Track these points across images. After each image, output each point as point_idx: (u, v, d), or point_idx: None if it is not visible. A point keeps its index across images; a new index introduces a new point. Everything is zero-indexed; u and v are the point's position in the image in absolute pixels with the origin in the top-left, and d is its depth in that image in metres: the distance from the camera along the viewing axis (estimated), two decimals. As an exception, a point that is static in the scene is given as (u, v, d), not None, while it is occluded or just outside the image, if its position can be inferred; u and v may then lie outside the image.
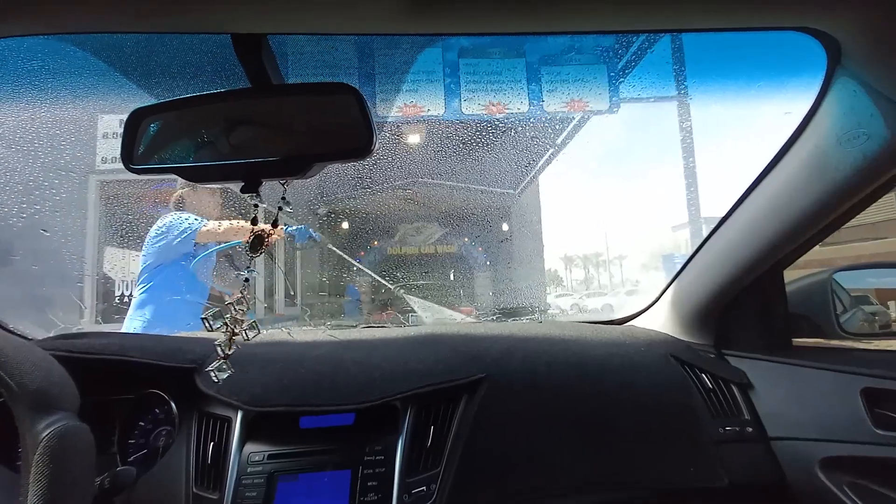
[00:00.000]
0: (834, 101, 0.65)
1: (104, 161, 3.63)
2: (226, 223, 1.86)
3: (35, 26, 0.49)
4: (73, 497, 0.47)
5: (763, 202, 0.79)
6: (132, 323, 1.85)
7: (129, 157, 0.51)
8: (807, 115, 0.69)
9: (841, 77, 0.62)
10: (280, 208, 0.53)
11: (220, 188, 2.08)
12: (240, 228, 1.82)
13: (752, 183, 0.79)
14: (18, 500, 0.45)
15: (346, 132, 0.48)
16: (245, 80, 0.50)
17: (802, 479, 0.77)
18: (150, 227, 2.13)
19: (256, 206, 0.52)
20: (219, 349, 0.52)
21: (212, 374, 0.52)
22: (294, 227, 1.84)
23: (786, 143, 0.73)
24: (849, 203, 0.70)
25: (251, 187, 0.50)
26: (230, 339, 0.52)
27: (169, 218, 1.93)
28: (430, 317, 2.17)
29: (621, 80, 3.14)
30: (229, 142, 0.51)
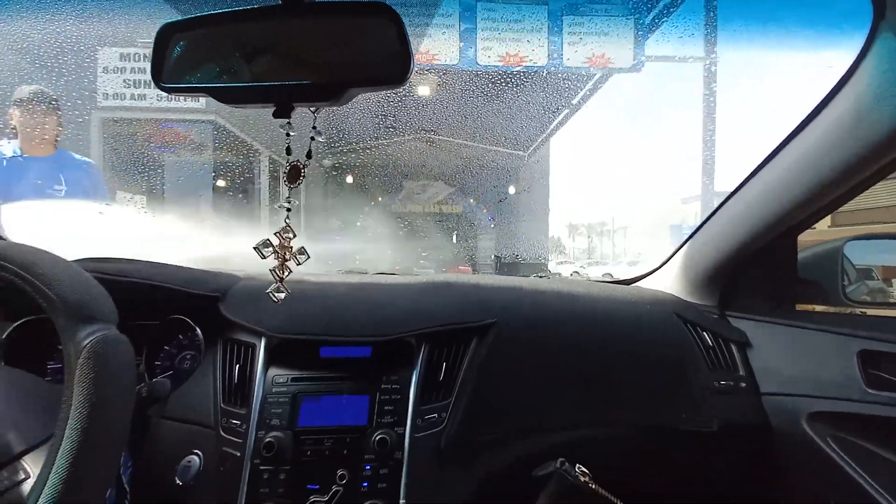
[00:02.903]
0: (875, 56, 0.62)
1: (105, 97, 3.51)
2: None
3: None
4: (117, 400, 0.48)
5: (791, 160, 0.78)
6: None
7: (159, 74, 0.50)
8: (847, 70, 0.66)
9: (884, 31, 0.59)
10: (312, 138, 0.53)
11: (57, 114, 1.99)
12: None
13: (783, 140, 0.78)
14: (61, 407, 0.47)
15: (382, 56, 0.46)
16: (275, -4, 0.48)
17: (788, 430, 0.82)
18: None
19: (288, 135, 0.52)
20: (274, 274, 0.54)
21: (271, 295, 0.54)
22: None
23: (822, 99, 0.70)
24: (877, 165, 0.69)
25: (283, 112, 0.50)
26: (282, 265, 0.54)
27: None
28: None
29: (649, 34, 2.95)
30: (259, 63, 0.50)
